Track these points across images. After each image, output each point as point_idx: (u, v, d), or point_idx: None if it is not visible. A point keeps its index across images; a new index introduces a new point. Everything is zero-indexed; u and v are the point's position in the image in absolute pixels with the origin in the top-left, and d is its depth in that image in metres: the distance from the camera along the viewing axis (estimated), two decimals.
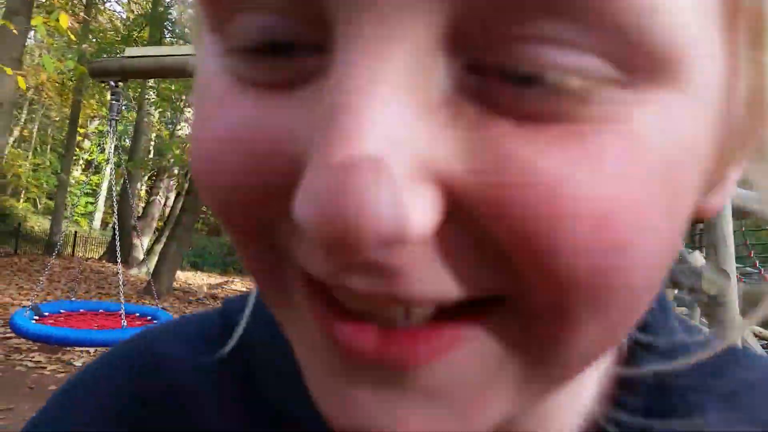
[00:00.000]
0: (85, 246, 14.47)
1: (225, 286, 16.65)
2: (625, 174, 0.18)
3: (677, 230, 0.20)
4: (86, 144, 24.37)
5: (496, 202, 0.17)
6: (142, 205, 20.11)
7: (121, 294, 5.13)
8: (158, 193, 17.33)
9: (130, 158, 14.48)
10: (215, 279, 18.64)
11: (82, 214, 24.29)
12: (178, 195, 16.08)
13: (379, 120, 0.17)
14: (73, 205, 13.65)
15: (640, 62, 0.17)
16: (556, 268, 0.18)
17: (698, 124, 0.19)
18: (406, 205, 0.17)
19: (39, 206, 12.84)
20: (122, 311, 4.80)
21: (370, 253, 0.17)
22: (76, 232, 19.00)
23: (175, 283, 13.56)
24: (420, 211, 0.17)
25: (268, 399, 0.32)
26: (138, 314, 5.46)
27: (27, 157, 21.68)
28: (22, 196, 22.77)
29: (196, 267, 21.59)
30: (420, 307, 0.20)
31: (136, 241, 16.11)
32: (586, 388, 0.30)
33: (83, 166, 24.91)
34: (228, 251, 22.82)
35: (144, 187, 21.11)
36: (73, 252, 16.59)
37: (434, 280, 0.19)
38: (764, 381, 0.32)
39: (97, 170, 23.65)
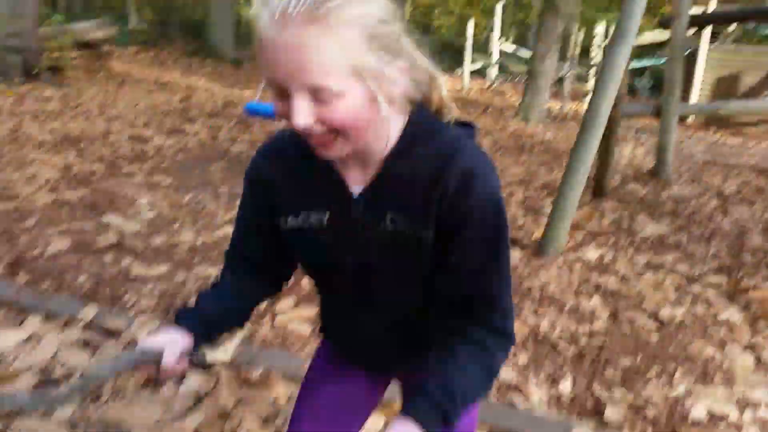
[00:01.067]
0: None
1: None
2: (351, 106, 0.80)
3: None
4: None
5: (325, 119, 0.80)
6: None
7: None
8: None
9: None
10: None
11: None
12: None
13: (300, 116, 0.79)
14: None
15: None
16: (341, 126, 0.80)
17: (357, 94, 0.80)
18: (307, 125, 0.80)
19: None
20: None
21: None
22: None
23: None
24: (308, 123, 0.79)
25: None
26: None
27: None
28: None
29: None
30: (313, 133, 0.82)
31: None
32: (391, 131, 0.89)
33: None
34: (436, 50, 24.62)
35: None
36: None
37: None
38: (445, 141, 0.89)
39: None
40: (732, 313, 3.02)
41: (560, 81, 13.09)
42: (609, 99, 3.56)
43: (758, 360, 2.62)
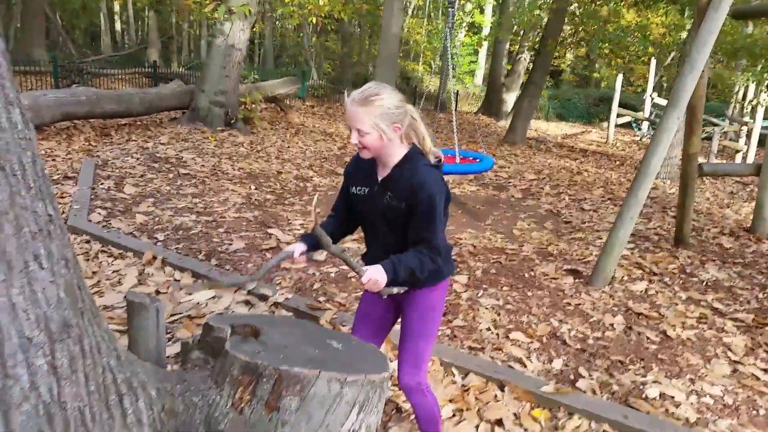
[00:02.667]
0: (465, 101, 16.87)
1: (579, 136, 18.57)
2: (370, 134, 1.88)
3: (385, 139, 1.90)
4: (468, 6, 26.18)
5: (361, 142, 1.90)
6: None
7: (456, 139, 8.00)
8: (523, 51, 19.53)
9: (498, 24, 17.48)
10: (573, 129, 20.70)
11: (466, 72, 27.05)
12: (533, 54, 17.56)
13: (353, 137, 1.88)
14: (456, 65, 14.87)
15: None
16: (367, 145, 1.90)
17: (374, 135, 1.89)
18: (355, 143, 1.90)
19: (433, 67, 15.41)
20: (457, 154, 7.35)
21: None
22: (458, 90, 21.89)
23: (532, 133, 16.23)
24: (355, 141, 1.90)
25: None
26: (470, 157, 7.73)
27: (422, 24, 24.13)
28: (420, 59, 25.63)
29: (561, 118, 23.96)
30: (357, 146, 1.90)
31: (504, 96, 19.08)
32: (398, 152, 1.95)
33: (466, 28, 26.70)
34: (593, 102, 24.89)
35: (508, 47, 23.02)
36: (455, 107, 19.37)
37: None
38: (414, 168, 1.93)
39: (478, 31, 26.12)
40: (737, 340, 3.63)
41: (709, 138, 13.04)
42: (659, 155, 4.31)
43: (734, 370, 3.27)
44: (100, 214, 4.99)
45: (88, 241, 4.41)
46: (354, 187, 2.05)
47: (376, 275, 1.85)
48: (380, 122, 1.84)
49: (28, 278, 1.22)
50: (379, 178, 1.97)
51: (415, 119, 1.93)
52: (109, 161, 6.95)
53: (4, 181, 1.20)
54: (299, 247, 2.05)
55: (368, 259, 2.12)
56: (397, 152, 1.93)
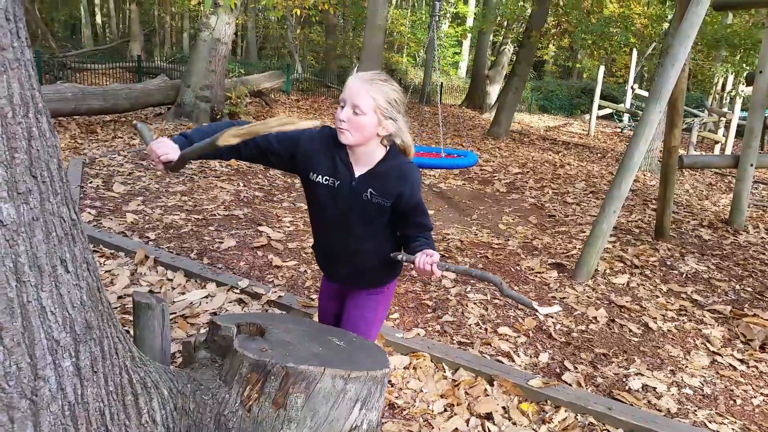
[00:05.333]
0: (449, 94, 16.82)
1: (562, 128, 18.58)
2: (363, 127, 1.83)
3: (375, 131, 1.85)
4: None
5: (351, 119, 1.83)
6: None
7: (441, 134, 8.61)
8: (506, 43, 19.52)
9: (483, 15, 17.33)
10: (556, 122, 20.68)
11: (450, 64, 26.90)
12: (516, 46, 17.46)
13: (343, 113, 1.81)
14: (440, 57, 14.63)
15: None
16: (356, 126, 1.82)
17: (371, 118, 1.84)
18: (343, 119, 1.82)
19: (417, 59, 15.45)
20: (442, 152, 7.71)
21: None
22: (442, 83, 21.67)
23: (516, 126, 16.16)
24: (344, 118, 1.81)
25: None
26: (454, 154, 8.07)
27: (406, 15, 24.08)
28: (404, 51, 25.53)
29: (543, 110, 23.88)
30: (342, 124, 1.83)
31: (488, 88, 18.99)
32: (378, 150, 1.92)
33: (450, 19, 26.66)
34: (576, 94, 24.74)
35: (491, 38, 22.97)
36: (440, 100, 19.06)
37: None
38: (399, 166, 1.93)
39: (462, 22, 25.83)
40: (715, 331, 3.78)
41: (688, 130, 13.28)
42: (641, 149, 4.43)
43: (713, 361, 3.42)
44: (90, 213, 5.02)
45: None
46: (317, 175, 1.91)
47: (435, 258, 1.82)
48: (381, 106, 1.80)
49: (56, 282, 1.29)
50: (356, 174, 1.90)
51: (404, 120, 1.94)
52: (97, 159, 6.96)
53: (36, 188, 1.27)
54: (173, 150, 1.77)
55: (325, 250, 2.14)
56: (377, 151, 1.90)
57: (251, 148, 1.87)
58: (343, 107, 1.82)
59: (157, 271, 4.05)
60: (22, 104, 1.24)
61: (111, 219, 4.95)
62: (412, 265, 1.84)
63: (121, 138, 8.44)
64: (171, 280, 3.94)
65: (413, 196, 1.93)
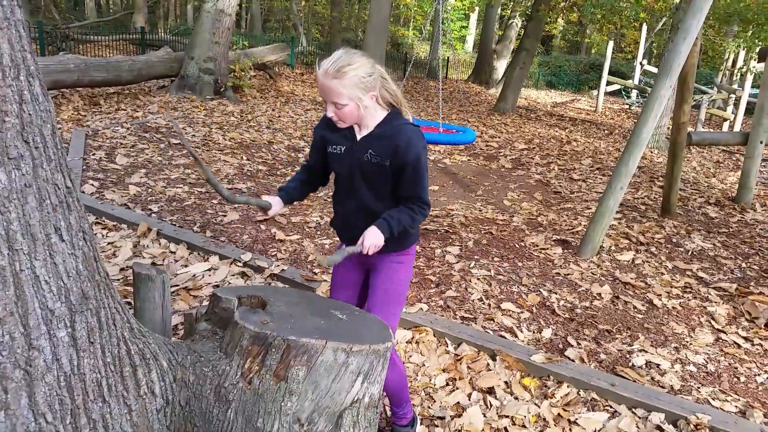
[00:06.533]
0: (456, 68, 17.05)
1: (569, 104, 18.45)
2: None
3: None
4: None
5: (337, 114, 1.92)
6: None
7: (440, 110, 8.67)
8: (514, 17, 19.25)
9: None
10: (563, 98, 20.52)
11: (457, 38, 26.33)
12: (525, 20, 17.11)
13: (329, 111, 1.90)
14: (446, 31, 14.15)
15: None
16: (343, 117, 1.93)
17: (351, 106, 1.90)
18: (331, 115, 1.92)
19: (423, 32, 15.45)
20: (440, 126, 7.71)
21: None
22: (448, 57, 21.75)
23: (522, 101, 15.95)
24: (331, 114, 1.92)
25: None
26: (452, 129, 8.06)
27: None
28: (411, 25, 25.02)
29: (551, 86, 23.74)
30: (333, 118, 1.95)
31: (495, 63, 18.93)
32: (377, 113, 1.98)
33: None
34: (583, 69, 24.44)
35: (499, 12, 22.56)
36: (446, 75, 18.51)
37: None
38: (397, 126, 1.97)
39: None
40: (720, 309, 3.75)
41: (697, 107, 13.12)
42: (650, 124, 4.36)
43: (717, 339, 3.39)
44: (92, 185, 4.99)
45: None
46: (330, 147, 2.06)
47: (374, 239, 1.93)
48: (357, 92, 1.86)
49: (50, 251, 1.26)
50: (358, 137, 2.00)
51: (386, 79, 1.96)
52: (100, 131, 6.91)
53: (28, 154, 1.23)
54: (277, 206, 2.12)
55: (341, 216, 2.17)
56: (375, 115, 1.97)
57: (317, 167, 2.20)
58: (325, 103, 1.92)
59: (159, 244, 4.03)
60: (12, 66, 1.19)
61: (114, 191, 4.93)
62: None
63: (125, 110, 8.37)
64: (174, 252, 3.93)
65: (411, 162, 1.93)
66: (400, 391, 2.23)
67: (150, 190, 5.08)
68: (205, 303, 3.27)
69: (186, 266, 3.73)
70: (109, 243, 3.97)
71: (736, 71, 15.57)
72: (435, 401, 2.61)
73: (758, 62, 8.43)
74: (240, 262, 3.80)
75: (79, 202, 1.41)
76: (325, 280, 3.61)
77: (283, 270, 3.70)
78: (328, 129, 2.07)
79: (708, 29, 14.99)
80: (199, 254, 3.94)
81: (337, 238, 2.45)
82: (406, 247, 2.14)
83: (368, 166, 1.98)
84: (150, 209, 4.62)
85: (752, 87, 13.61)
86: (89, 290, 1.36)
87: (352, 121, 1.94)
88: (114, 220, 4.33)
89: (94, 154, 5.92)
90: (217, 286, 3.53)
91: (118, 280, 3.44)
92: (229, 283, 3.57)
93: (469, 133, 7.36)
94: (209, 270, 3.72)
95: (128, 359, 1.48)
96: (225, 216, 4.62)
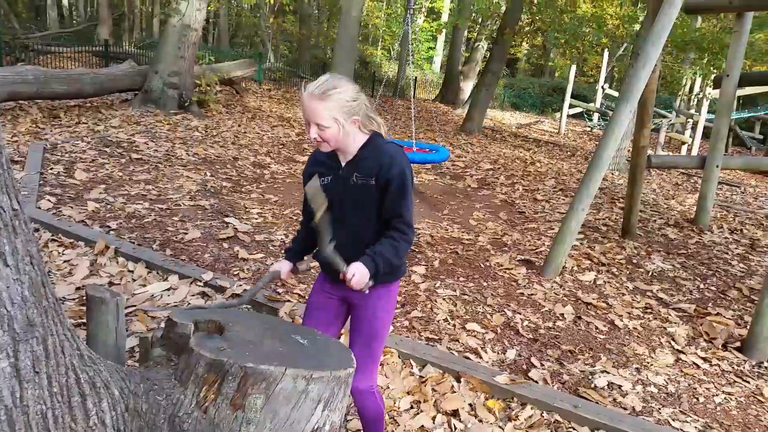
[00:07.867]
0: (423, 88, 16.91)
1: (533, 126, 18.65)
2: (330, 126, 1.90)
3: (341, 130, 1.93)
4: None
5: (320, 135, 1.91)
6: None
7: (413, 127, 8.31)
8: (481, 39, 19.36)
9: (458, 11, 17.17)
10: (527, 119, 20.71)
11: (425, 59, 26.71)
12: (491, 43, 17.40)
13: (312, 133, 1.89)
14: (414, 51, 14.51)
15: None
16: (326, 139, 1.92)
17: (334, 128, 1.90)
18: (312, 138, 1.89)
19: (392, 52, 15.36)
20: (414, 145, 7.58)
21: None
22: (416, 77, 21.42)
23: (488, 122, 16.10)
24: (314, 136, 1.90)
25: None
26: (426, 148, 7.89)
27: (381, 8, 23.74)
28: (379, 44, 25.22)
29: (515, 107, 24.00)
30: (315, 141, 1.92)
31: (462, 84, 19.03)
32: (357, 137, 1.98)
33: (425, 14, 26.45)
34: (547, 92, 24.88)
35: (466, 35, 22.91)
36: (414, 95, 18.11)
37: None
38: (378, 146, 1.99)
39: (437, 17, 25.55)
40: (680, 330, 3.82)
41: (657, 130, 13.48)
42: (611, 148, 4.45)
43: (677, 359, 3.44)
44: (49, 201, 4.84)
45: (37, 230, 4.28)
46: (321, 180, 2.04)
47: (360, 276, 1.89)
48: (339, 116, 1.87)
49: None
50: (343, 164, 2.00)
51: (368, 107, 1.98)
52: (59, 145, 6.73)
53: None
54: (285, 266, 2.15)
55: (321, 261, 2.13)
56: (357, 140, 1.97)
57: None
58: (308, 125, 1.92)
59: (117, 262, 3.91)
60: None
61: (71, 207, 4.79)
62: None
63: (86, 123, 8.18)
64: (132, 271, 3.82)
65: (395, 177, 1.93)
66: (377, 426, 2.19)
67: (109, 206, 4.95)
68: (162, 325, 3.18)
69: (144, 286, 3.62)
70: (65, 261, 3.84)
71: (693, 97, 16.08)
72: (399, 425, 2.57)
73: (713, 89, 8.71)
74: (201, 281, 3.72)
75: (27, 225, 1.35)
76: (289, 300, 3.56)
77: (245, 290, 3.63)
78: (315, 165, 2.08)
79: (667, 56, 15.49)
80: (158, 273, 3.84)
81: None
82: (391, 281, 2.10)
83: (356, 190, 1.97)
84: (108, 226, 4.50)
85: (708, 112, 14.06)
86: (35, 317, 1.30)
87: (334, 144, 1.94)
88: (71, 237, 4.20)
89: (52, 169, 5.75)
90: (176, 306, 3.44)
91: (74, 299, 3.32)
92: (189, 303, 3.49)
93: (442, 151, 7.40)
94: (168, 290, 3.62)
95: (77, 388, 1.41)
96: (186, 234, 4.53)
